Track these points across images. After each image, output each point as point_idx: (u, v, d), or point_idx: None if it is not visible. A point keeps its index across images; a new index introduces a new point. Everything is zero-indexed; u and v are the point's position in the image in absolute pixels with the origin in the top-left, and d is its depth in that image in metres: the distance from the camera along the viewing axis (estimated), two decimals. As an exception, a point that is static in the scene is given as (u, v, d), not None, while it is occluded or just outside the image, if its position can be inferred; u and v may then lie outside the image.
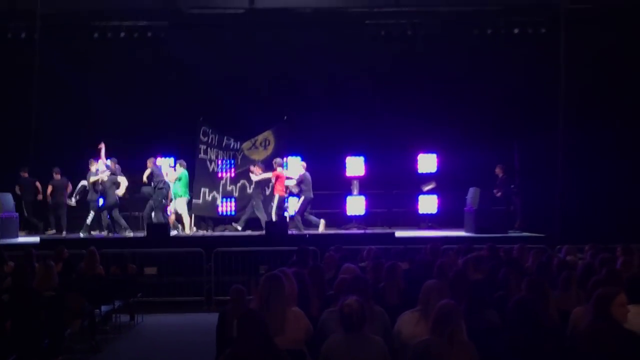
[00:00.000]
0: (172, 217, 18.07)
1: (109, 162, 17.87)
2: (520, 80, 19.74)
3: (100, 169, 17.87)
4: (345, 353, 5.61)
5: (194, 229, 18.48)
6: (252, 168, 18.41)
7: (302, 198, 18.11)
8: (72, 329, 9.58)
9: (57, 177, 18.68)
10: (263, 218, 18.00)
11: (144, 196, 18.57)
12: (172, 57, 19.99)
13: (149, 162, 18.04)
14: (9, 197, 17.83)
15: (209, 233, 18.24)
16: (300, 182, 18.06)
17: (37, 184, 18.86)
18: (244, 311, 5.65)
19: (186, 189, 18.04)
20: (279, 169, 18.08)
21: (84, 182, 18.21)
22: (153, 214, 17.91)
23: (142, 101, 20.16)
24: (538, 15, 19.92)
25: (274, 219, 17.66)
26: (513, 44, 20.01)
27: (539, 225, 17.64)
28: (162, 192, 17.88)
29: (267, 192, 18.58)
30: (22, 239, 17.47)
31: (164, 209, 18.17)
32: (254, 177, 18.26)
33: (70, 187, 18.73)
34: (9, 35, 19.72)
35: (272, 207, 17.99)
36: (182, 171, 17.99)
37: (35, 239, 16.73)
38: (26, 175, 18.82)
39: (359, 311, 5.63)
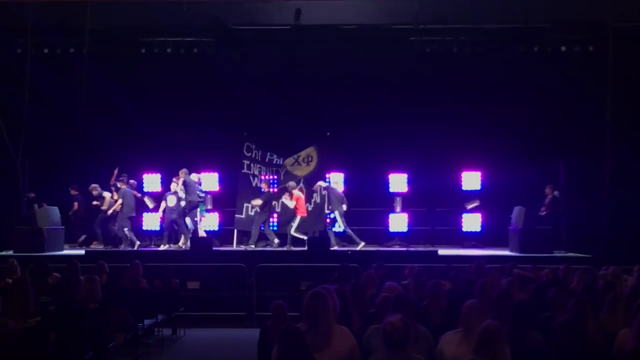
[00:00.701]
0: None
1: (118, 183, 18.33)
2: (567, 98, 19.55)
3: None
4: (388, 372, 5.56)
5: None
6: (286, 195, 18.42)
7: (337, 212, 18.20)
8: (115, 342, 9.65)
9: (76, 193, 18.98)
10: (255, 234, 18.15)
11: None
12: (218, 73, 20.20)
13: (182, 173, 18.20)
14: (55, 211, 18.09)
15: (251, 248, 18.29)
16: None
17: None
18: (285, 327, 5.63)
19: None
20: (295, 192, 18.16)
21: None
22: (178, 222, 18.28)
23: (187, 116, 20.39)
24: (585, 32, 19.70)
25: (297, 236, 17.85)
26: (560, 61, 19.80)
27: (585, 246, 17.37)
28: (192, 204, 18.13)
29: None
30: (67, 251, 17.69)
31: (193, 219, 18.58)
32: (288, 203, 18.28)
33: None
34: (58, 50, 20.09)
35: (291, 226, 18.06)
36: None
37: (80, 252, 16.96)
38: (76, 192, 19.10)
39: (402, 330, 5.57)
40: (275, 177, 19.52)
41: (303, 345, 5.32)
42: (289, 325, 5.73)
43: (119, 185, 18.24)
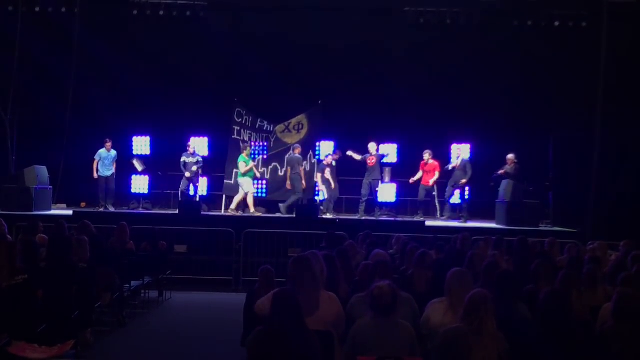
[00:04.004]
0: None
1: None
2: (558, 73, 19.56)
3: None
4: (374, 336, 5.62)
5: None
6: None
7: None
8: (101, 302, 9.69)
9: None
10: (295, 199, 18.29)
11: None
12: (210, 37, 20.05)
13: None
14: (44, 170, 18.01)
15: (240, 214, 18.30)
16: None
17: None
18: (279, 290, 5.65)
19: None
20: (431, 161, 18.70)
21: None
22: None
23: (178, 80, 20.27)
24: (579, 8, 19.67)
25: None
26: (553, 36, 19.79)
27: (572, 220, 17.48)
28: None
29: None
30: (55, 211, 17.66)
31: None
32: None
33: None
34: (50, 9, 19.84)
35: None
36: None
37: (69, 212, 16.94)
38: None
39: (389, 295, 5.62)
40: (266, 143, 19.50)
41: (296, 308, 5.35)
42: (284, 289, 5.75)
43: None
